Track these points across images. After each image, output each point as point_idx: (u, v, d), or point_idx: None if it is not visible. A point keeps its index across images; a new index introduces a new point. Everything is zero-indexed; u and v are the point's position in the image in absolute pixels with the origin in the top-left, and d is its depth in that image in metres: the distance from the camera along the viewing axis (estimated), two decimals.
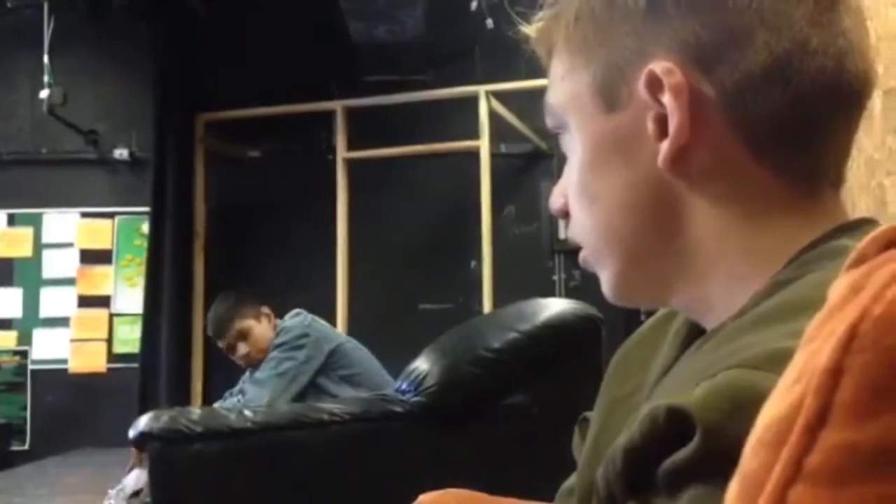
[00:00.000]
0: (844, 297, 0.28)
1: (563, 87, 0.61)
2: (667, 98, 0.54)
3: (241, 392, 3.21)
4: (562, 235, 4.61)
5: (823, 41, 0.53)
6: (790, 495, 0.26)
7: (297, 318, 3.29)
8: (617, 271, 0.61)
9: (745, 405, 0.41)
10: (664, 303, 0.65)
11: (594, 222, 0.60)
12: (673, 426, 0.43)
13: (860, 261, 0.30)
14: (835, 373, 0.26)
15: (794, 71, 0.53)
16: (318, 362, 3.14)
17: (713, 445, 0.41)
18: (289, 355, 3.12)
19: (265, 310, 3.32)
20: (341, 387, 3.12)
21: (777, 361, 0.41)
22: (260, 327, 3.26)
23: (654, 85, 0.54)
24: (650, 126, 0.55)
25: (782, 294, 0.50)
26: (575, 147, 0.61)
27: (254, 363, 3.25)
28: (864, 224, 0.56)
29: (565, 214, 0.64)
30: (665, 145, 0.54)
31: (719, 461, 0.40)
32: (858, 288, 0.28)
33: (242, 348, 3.24)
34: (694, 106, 0.53)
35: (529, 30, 0.64)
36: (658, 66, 0.54)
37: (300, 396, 3.10)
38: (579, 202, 0.61)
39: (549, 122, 0.64)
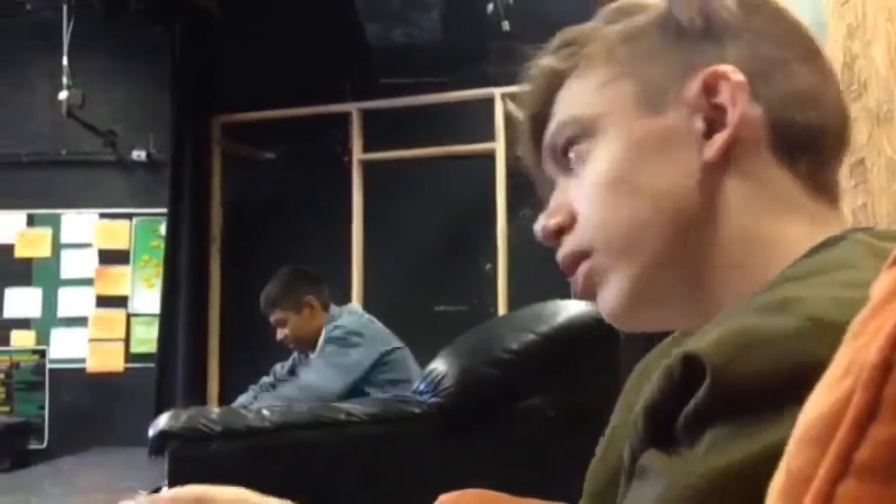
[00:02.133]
0: (889, 294, 0.29)
1: (601, 95, 0.64)
2: (727, 94, 0.59)
3: (278, 379, 3.37)
4: None
5: (835, 83, 0.64)
6: (839, 490, 0.26)
7: (351, 316, 3.36)
8: (636, 275, 0.61)
9: (753, 343, 0.43)
10: (671, 319, 0.65)
11: (629, 213, 0.61)
12: (687, 373, 0.44)
13: None
14: (884, 368, 0.26)
15: (824, 99, 0.61)
16: (368, 362, 3.20)
17: (723, 384, 0.42)
18: (342, 350, 3.20)
19: (310, 300, 3.39)
20: (386, 391, 3.16)
21: (787, 304, 0.45)
22: (298, 319, 3.36)
23: (711, 87, 0.60)
24: (699, 125, 0.60)
25: (788, 271, 0.53)
26: (603, 150, 0.63)
27: (298, 347, 3.40)
28: (868, 229, 0.58)
29: (558, 234, 0.65)
30: (721, 136, 0.59)
31: (732, 401, 0.42)
32: None
33: (280, 334, 3.39)
34: (747, 108, 0.59)
35: (545, 61, 0.68)
36: (724, 67, 0.59)
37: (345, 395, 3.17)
38: (610, 198, 0.62)
39: (568, 131, 0.65)
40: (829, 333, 0.40)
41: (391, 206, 4.75)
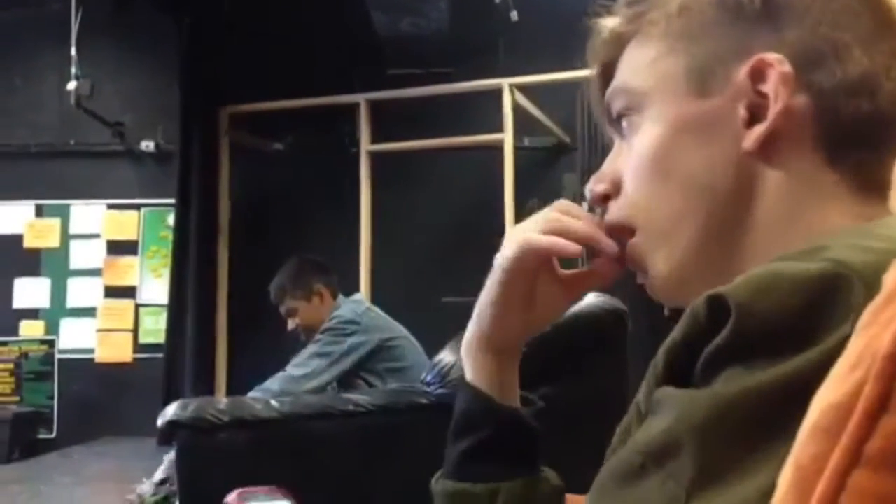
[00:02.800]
0: None
1: (653, 69, 0.63)
2: (772, 84, 0.57)
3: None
4: None
5: None
6: (850, 481, 0.26)
7: (350, 306, 3.36)
8: (681, 252, 0.62)
9: (775, 285, 0.44)
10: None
11: (666, 199, 0.62)
12: (712, 313, 0.45)
13: None
14: None
15: (879, 87, 0.58)
16: (364, 350, 3.20)
17: (745, 323, 0.43)
18: (333, 339, 3.21)
19: (320, 288, 3.41)
20: (384, 379, 3.16)
21: (811, 251, 0.46)
22: (308, 308, 3.38)
23: (757, 74, 0.58)
24: (742, 112, 0.59)
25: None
26: (651, 126, 0.63)
27: (308, 337, 3.37)
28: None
29: (604, 199, 0.66)
30: (761, 127, 0.58)
31: (752, 339, 0.43)
32: None
33: (290, 324, 3.41)
34: (791, 97, 0.58)
35: (611, 22, 0.67)
36: (770, 56, 0.58)
37: (342, 384, 3.17)
38: (649, 180, 0.63)
39: (620, 102, 0.65)
40: (852, 275, 0.42)
41: (399, 197, 4.75)
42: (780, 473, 0.33)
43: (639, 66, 0.64)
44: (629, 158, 0.64)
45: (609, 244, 0.67)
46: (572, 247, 0.68)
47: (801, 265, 0.44)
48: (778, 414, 0.38)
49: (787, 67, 0.57)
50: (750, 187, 0.59)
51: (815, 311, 0.42)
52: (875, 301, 0.30)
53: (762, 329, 0.43)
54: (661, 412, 0.46)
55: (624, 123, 0.65)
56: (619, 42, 0.66)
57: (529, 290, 0.72)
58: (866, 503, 0.25)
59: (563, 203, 0.71)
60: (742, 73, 0.59)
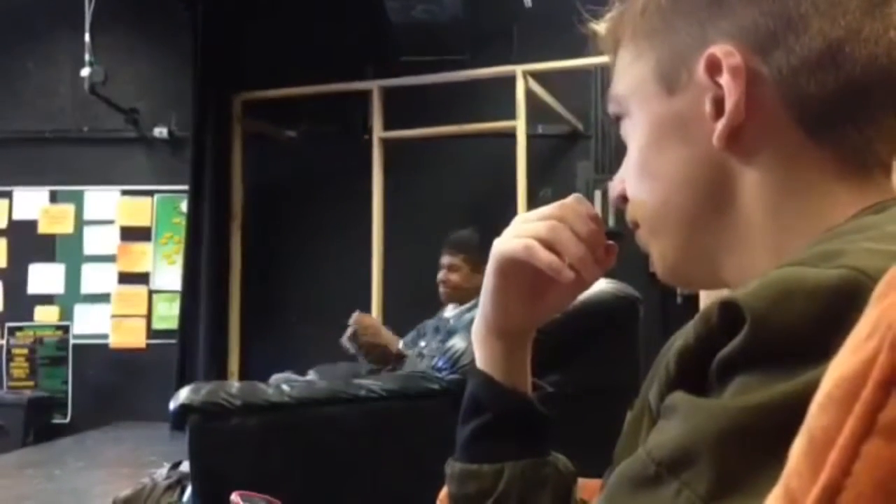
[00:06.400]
0: None
1: (629, 74, 0.64)
2: (725, 78, 0.56)
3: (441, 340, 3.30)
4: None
5: (875, 31, 0.55)
6: (864, 450, 0.26)
7: None
8: (672, 245, 0.63)
9: (792, 293, 0.43)
10: (714, 279, 0.65)
11: (653, 198, 0.63)
12: (724, 319, 0.44)
13: None
14: None
15: (846, 56, 0.55)
16: None
17: (761, 332, 0.42)
18: None
19: (482, 266, 3.43)
20: None
21: (828, 256, 0.44)
22: (468, 274, 3.39)
23: (714, 67, 0.57)
24: (707, 107, 0.58)
25: (826, 234, 0.52)
26: (635, 130, 0.64)
27: (448, 296, 3.42)
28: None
29: (623, 200, 0.67)
30: (721, 123, 0.57)
31: (767, 349, 0.42)
32: None
33: (442, 275, 3.43)
34: (750, 86, 0.56)
35: (599, 27, 0.68)
36: (718, 49, 0.56)
37: None
38: (639, 181, 0.64)
39: (612, 108, 0.67)
40: (871, 285, 0.40)
41: (411, 184, 4.75)
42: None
43: (620, 72, 0.65)
44: (627, 161, 0.66)
45: (591, 273, 0.70)
46: (562, 274, 0.69)
47: (819, 272, 0.43)
48: (793, 426, 0.36)
49: (735, 59, 0.56)
50: (729, 181, 0.58)
51: (834, 322, 0.40)
52: (890, 272, 0.29)
53: (779, 339, 0.42)
54: (673, 419, 0.45)
55: (621, 127, 0.67)
56: (611, 46, 0.67)
57: (528, 282, 0.73)
58: (880, 472, 0.25)
59: (572, 206, 0.72)
60: (700, 67, 0.58)
